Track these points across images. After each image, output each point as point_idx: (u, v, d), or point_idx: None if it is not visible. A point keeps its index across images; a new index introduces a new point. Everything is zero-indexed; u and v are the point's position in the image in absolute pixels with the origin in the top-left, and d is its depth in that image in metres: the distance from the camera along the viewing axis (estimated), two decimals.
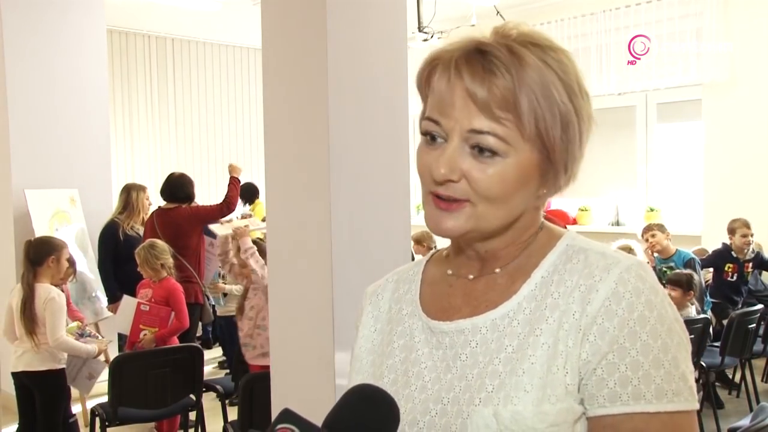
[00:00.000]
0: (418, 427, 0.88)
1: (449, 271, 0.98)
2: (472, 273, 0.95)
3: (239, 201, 8.20)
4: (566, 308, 0.85)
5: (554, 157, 0.87)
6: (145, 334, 4.02)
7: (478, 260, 0.95)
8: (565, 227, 1.01)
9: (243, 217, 7.29)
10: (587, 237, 0.96)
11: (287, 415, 0.77)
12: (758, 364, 5.33)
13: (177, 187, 5.09)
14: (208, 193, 9.51)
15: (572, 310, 0.85)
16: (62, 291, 4.05)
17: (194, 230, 5.02)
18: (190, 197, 5.11)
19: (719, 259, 5.70)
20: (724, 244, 5.67)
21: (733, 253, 5.60)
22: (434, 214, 0.88)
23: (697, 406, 0.84)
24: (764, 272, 5.77)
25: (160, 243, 4.28)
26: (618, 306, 0.82)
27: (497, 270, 0.93)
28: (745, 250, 5.57)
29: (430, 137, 0.88)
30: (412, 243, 5.81)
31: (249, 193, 8.14)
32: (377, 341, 1.02)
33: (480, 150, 0.84)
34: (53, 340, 3.68)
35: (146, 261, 4.14)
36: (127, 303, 4.17)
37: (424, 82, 0.90)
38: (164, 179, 5.25)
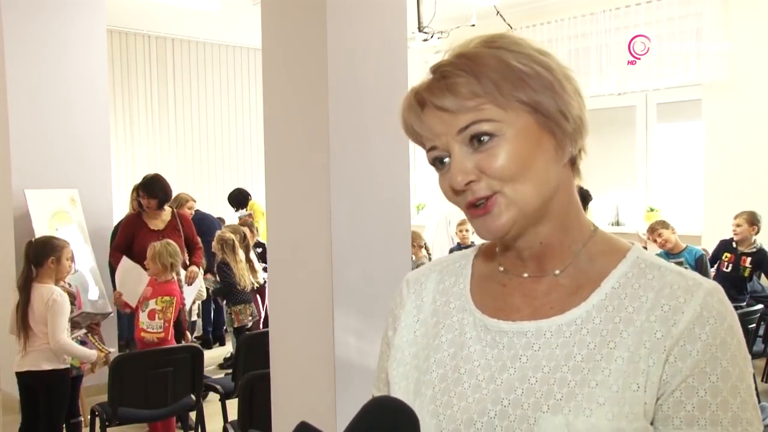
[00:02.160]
0: (475, 428, 0.87)
1: (501, 268, 0.96)
2: (527, 271, 0.93)
3: (233, 207, 8.24)
4: (646, 326, 0.84)
5: (544, 109, 0.86)
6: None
7: (533, 259, 0.93)
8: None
9: (241, 219, 7.31)
10: None
11: (304, 429, 0.77)
12: (758, 364, 5.33)
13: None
14: (208, 193, 9.53)
15: (654, 329, 0.84)
16: (69, 288, 4.06)
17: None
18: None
19: (720, 249, 5.72)
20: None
21: (733, 243, 5.57)
22: (478, 223, 0.88)
23: None
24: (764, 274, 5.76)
25: (175, 244, 4.29)
26: (702, 330, 0.82)
27: (557, 272, 0.92)
28: (743, 240, 5.51)
29: (439, 163, 0.90)
30: None
31: (242, 198, 8.14)
32: (420, 332, 0.99)
33: (479, 141, 0.86)
34: (54, 342, 3.68)
35: (160, 255, 4.15)
36: (129, 267, 4.19)
37: (409, 132, 0.94)
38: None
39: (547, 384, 0.85)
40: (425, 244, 6.04)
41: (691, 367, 0.82)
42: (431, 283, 1.03)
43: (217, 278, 5.64)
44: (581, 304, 0.88)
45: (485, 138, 0.85)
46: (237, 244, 5.67)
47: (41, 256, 3.78)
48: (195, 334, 5.98)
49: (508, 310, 0.92)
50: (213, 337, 7.01)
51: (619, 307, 0.87)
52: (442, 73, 0.88)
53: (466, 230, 6.41)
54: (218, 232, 5.86)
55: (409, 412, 0.79)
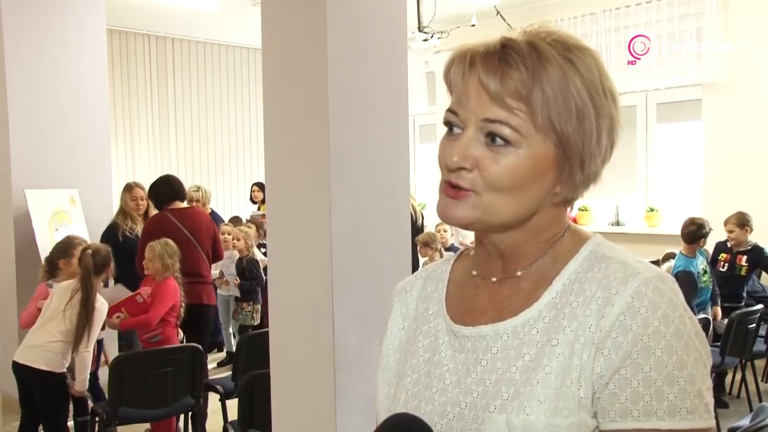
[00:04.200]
0: (436, 430, 0.88)
1: (474, 272, 0.97)
2: (494, 275, 0.94)
3: (251, 203, 8.20)
4: (583, 320, 0.85)
5: (569, 151, 0.85)
6: (118, 317, 4.03)
7: (499, 258, 0.93)
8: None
9: (252, 218, 7.31)
10: None
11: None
12: (759, 364, 5.33)
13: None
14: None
15: (589, 323, 0.84)
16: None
17: (210, 233, 5.04)
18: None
19: (717, 251, 5.71)
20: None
21: (728, 243, 5.57)
22: (443, 202, 0.88)
23: (713, 423, 0.83)
24: (764, 273, 5.75)
25: (173, 244, 4.28)
26: (633, 320, 0.81)
27: (519, 273, 0.92)
28: (738, 243, 5.50)
29: (449, 128, 0.89)
30: (419, 246, 5.80)
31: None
32: (404, 339, 1.02)
33: (493, 139, 0.85)
34: (87, 347, 3.69)
35: (161, 256, 4.15)
36: (118, 290, 4.18)
37: (446, 77, 0.91)
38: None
39: (498, 385, 0.86)
40: (441, 248, 6.00)
41: (623, 358, 0.81)
42: (416, 291, 1.05)
43: (246, 275, 5.66)
44: (533, 305, 0.89)
45: (500, 141, 0.85)
46: (255, 240, 5.71)
47: (103, 263, 3.83)
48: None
49: (476, 313, 0.94)
50: (213, 343, 6.91)
51: (565, 303, 0.87)
52: (505, 52, 0.85)
53: (444, 230, 6.41)
54: (237, 229, 5.90)
55: (426, 428, 0.82)
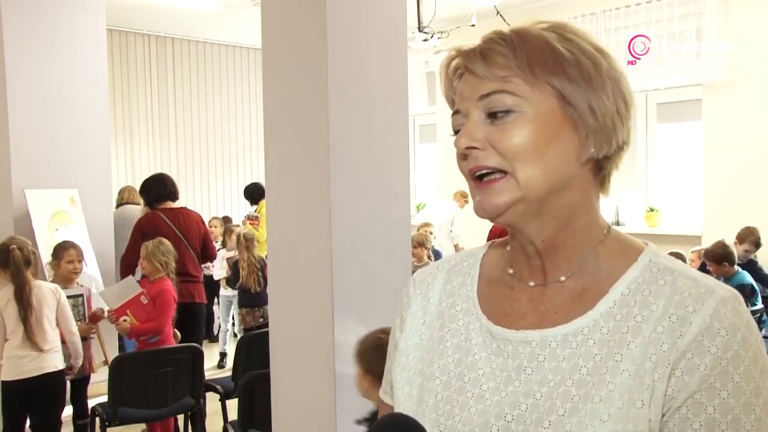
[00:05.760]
0: None
1: (510, 270, 0.92)
2: (533, 278, 0.89)
3: (248, 200, 8.20)
4: (653, 337, 0.79)
5: (572, 99, 0.82)
6: (125, 320, 3.99)
7: (538, 257, 0.87)
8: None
9: (249, 218, 7.29)
10: None
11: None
12: None
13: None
14: (208, 192, 9.53)
15: (661, 340, 0.79)
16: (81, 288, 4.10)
17: (200, 233, 5.03)
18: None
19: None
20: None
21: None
22: (479, 197, 0.84)
23: None
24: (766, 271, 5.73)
25: (168, 243, 4.27)
26: (711, 342, 0.77)
27: (562, 278, 0.87)
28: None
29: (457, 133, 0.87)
30: (414, 245, 5.77)
31: (256, 194, 8.11)
32: (425, 336, 0.95)
33: (496, 114, 0.83)
34: (76, 335, 3.73)
35: (153, 255, 4.11)
36: (128, 284, 4.15)
37: (444, 90, 0.90)
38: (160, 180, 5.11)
39: (551, 398, 0.81)
40: (431, 248, 5.95)
41: (699, 382, 0.77)
42: (438, 283, 0.98)
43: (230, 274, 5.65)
44: (588, 313, 0.84)
45: (503, 113, 0.82)
46: (250, 243, 5.60)
47: (28, 257, 3.68)
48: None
49: (514, 316, 0.88)
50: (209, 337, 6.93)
51: (627, 315, 0.82)
52: (484, 41, 0.85)
53: (430, 232, 6.30)
54: (237, 229, 5.85)
55: (422, 430, 0.78)
